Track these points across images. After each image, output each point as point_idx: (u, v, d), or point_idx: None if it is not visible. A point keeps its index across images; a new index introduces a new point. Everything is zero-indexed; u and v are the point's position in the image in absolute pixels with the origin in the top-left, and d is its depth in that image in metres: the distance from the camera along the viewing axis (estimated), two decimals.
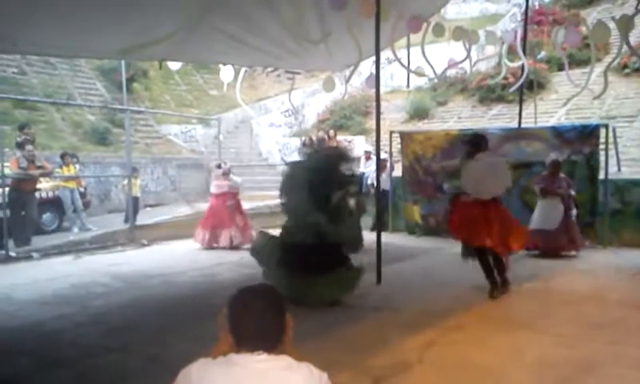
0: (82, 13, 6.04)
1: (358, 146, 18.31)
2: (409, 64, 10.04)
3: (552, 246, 8.52)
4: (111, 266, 8.49)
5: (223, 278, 7.67)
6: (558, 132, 9.88)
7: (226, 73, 10.43)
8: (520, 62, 11.29)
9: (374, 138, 7.58)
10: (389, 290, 6.61)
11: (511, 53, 12.42)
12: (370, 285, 6.54)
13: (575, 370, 4.06)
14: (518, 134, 10.33)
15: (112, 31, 6.73)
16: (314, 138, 18.78)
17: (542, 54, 17.91)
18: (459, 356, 4.40)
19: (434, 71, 10.49)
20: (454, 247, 9.48)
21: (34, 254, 9.28)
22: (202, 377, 1.74)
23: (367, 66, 12.90)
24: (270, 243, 6.26)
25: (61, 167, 11.49)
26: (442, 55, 11.38)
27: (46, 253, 9.43)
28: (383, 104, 11.10)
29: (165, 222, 11.92)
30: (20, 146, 10.83)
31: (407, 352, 4.46)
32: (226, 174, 10.48)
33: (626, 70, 17.50)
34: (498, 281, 6.27)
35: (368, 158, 13.96)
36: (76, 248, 9.84)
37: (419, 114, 19.48)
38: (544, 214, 8.63)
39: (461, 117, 18.84)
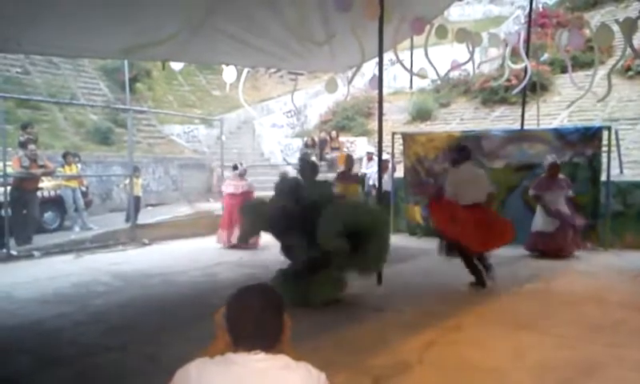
0: (85, 13, 6.05)
1: (361, 147, 18.35)
2: (412, 65, 10.03)
3: (552, 247, 8.53)
4: (112, 265, 8.49)
5: (223, 277, 7.67)
6: (560, 134, 9.87)
7: (229, 73, 10.43)
8: (523, 64, 11.27)
9: (377, 139, 7.58)
10: (389, 290, 6.60)
11: (514, 55, 12.40)
12: (371, 285, 6.54)
13: (576, 372, 4.05)
14: (520, 136, 10.32)
15: (115, 31, 6.74)
16: (316, 139, 18.86)
17: (545, 56, 17.93)
18: (459, 357, 4.40)
19: (436, 73, 10.48)
20: None
21: (35, 253, 9.29)
22: (200, 376, 1.73)
23: (370, 68, 12.90)
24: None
25: (63, 166, 11.50)
26: (445, 57, 11.37)
27: (47, 251, 9.43)
28: (386, 105, 11.09)
29: (166, 221, 11.92)
30: (22, 145, 10.86)
31: (407, 352, 4.45)
32: (242, 175, 10.59)
33: (630, 73, 17.49)
34: (482, 273, 6.67)
35: (370, 159, 13.96)
36: (77, 247, 9.84)
37: (422, 115, 19.48)
38: (544, 216, 8.66)
39: (463, 118, 18.84)
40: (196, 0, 6.51)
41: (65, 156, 11.70)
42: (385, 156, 9.42)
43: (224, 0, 6.65)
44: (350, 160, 11.16)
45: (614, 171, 9.96)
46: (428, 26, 8.96)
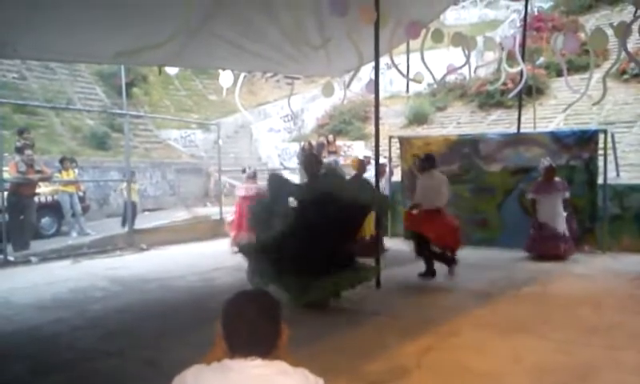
0: (81, 18, 6.05)
1: (357, 151, 18.36)
2: (408, 69, 10.05)
3: (550, 250, 8.56)
4: (109, 271, 8.48)
5: (221, 282, 7.67)
6: (556, 137, 9.89)
7: (226, 78, 10.43)
8: (519, 68, 11.32)
9: (373, 143, 7.61)
10: (387, 294, 6.61)
11: (510, 59, 12.45)
12: (369, 289, 6.54)
13: (574, 376, 4.05)
14: (516, 140, 10.34)
15: (111, 36, 6.75)
16: (314, 143, 18.87)
17: (541, 59, 18.00)
18: (457, 361, 4.39)
19: (433, 77, 10.50)
20: None
21: (33, 259, 9.27)
22: (197, 383, 1.73)
23: (366, 72, 12.93)
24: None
25: (60, 172, 11.49)
26: (441, 61, 11.40)
27: (45, 257, 9.41)
28: (382, 109, 11.12)
29: (164, 226, 11.91)
30: (19, 150, 10.83)
31: (405, 357, 4.45)
32: (251, 178, 10.64)
33: (625, 76, 17.58)
34: (433, 267, 7.43)
35: (368, 163, 13.95)
36: (74, 252, 9.82)
37: (418, 119, 19.53)
38: (542, 218, 8.71)
39: (460, 122, 18.89)
40: (193, 5, 6.52)
41: (62, 161, 11.69)
42: (382, 160, 9.43)
43: (220, 5, 6.66)
44: (362, 164, 11.14)
45: (611, 174, 9.99)
46: (424, 30, 8.98)
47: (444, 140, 11.27)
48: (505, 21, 24.49)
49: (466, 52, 10.04)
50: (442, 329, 5.22)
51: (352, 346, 4.81)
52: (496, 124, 17.52)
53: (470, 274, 7.73)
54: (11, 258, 9.09)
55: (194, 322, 5.27)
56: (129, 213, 11.34)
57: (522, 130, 11.26)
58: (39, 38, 6.57)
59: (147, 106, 19.54)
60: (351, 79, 10.26)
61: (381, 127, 7.65)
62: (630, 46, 9.67)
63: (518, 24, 21.87)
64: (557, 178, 8.81)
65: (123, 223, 11.64)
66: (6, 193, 9.68)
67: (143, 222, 12.15)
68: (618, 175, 10.73)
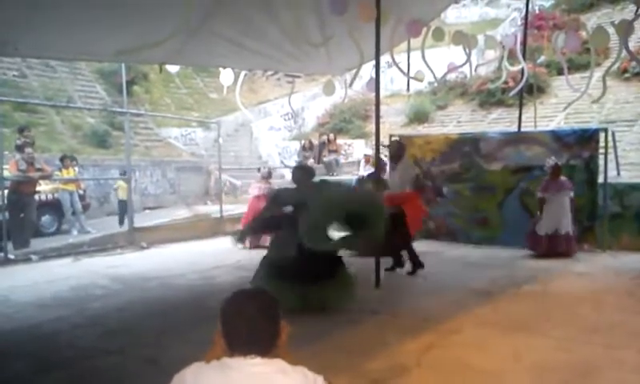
0: (82, 16, 6.05)
1: (358, 149, 18.37)
2: (409, 67, 10.04)
3: (556, 248, 8.60)
4: (110, 269, 8.48)
5: (221, 280, 7.66)
6: (557, 136, 9.88)
7: (226, 76, 10.41)
8: (520, 66, 11.30)
9: (374, 142, 7.60)
10: (387, 293, 6.61)
11: (511, 57, 12.43)
12: (369, 289, 6.54)
13: (574, 374, 4.05)
14: (517, 138, 10.33)
15: (112, 34, 6.74)
16: (314, 142, 18.87)
17: (542, 58, 17.95)
18: (458, 359, 4.39)
19: (433, 75, 10.49)
20: (453, 250, 9.54)
21: (33, 257, 9.27)
22: (196, 380, 1.72)
23: (367, 70, 12.90)
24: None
25: (60, 170, 11.49)
26: (442, 59, 11.38)
27: (45, 255, 9.41)
28: (383, 108, 11.10)
29: (164, 224, 11.91)
30: (19, 148, 10.84)
31: (405, 355, 4.45)
32: (265, 177, 10.70)
33: (626, 75, 17.54)
34: (419, 259, 7.66)
35: (367, 162, 13.98)
36: (75, 250, 9.82)
37: (419, 117, 19.51)
38: (547, 218, 8.72)
39: (460, 121, 18.87)
40: (193, 3, 6.51)
41: (62, 159, 11.70)
42: (382, 158, 9.41)
43: (221, 4, 6.66)
44: (381, 164, 11.09)
45: (611, 173, 9.98)
46: (425, 29, 8.96)
47: (445, 138, 11.27)
48: (506, 19, 24.43)
49: (467, 50, 10.02)
50: (443, 327, 5.21)
51: (352, 344, 4.81)
52: (497, 122, 17.49)
53: (471, 273, 7.74)
54: (11, 256, 9.10)
55: (194, 320, 5.28)
56: (124, 211, 11.34)
57: (522, 129, 11.24)
58: (40, 37, 6.56)
59: (148, 104, 19.53)
60: (353, 78, 10.23)
61: (381, 126, 7.63)
62: (632, 44, 9.65)
63: (519, 22, 21.84)
64: (562, 177, 8.81)
65: (120, 222, 11.66)
66: (6, 191, 9.69)
67: (144, 220, 12.15)
68: (618, 174, 10.72)
